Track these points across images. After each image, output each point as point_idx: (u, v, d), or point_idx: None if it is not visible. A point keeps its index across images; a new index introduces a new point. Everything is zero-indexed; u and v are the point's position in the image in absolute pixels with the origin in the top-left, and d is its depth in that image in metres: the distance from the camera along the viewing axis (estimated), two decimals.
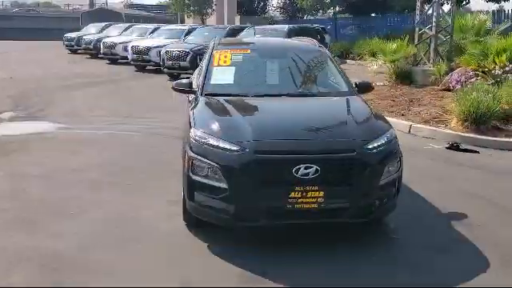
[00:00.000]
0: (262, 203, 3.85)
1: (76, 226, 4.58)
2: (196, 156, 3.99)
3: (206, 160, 3.92)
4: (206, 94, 4.86)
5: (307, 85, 5.23)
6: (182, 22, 36.70)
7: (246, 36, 14.35)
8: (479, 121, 8.15)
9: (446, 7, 15.45)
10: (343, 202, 3.91)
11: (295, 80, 5.21)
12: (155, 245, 4.21)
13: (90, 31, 26.71)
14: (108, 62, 21.60)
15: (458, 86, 9.38)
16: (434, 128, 8.51)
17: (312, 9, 27.29)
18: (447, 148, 7.58)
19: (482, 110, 8.13)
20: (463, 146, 7.60)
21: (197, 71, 6.86)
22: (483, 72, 10.71)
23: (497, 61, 10.71)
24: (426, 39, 12.41)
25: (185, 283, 3.63)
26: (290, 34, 13.71)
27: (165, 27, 22.10)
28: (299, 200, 3.81)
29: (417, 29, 12.72)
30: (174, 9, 33.39)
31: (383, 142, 4.08)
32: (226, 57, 5.30)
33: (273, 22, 29.73)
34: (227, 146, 3.90)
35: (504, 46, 10.89)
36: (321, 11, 29.77)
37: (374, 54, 14.14)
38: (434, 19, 12.05)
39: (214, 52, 5.39)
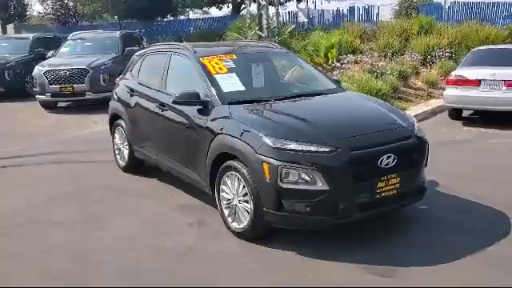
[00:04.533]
0: (355, 198, 4.02)
1: (136, 270, 3.93)
2: (284, 163, 3.90)
3: (298, 166, 3.88)
4: (229, 103, 4.64)
5: (309, 84, 5.44)
6: None
7: (70, 46, 13.01)
8: None
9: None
10: (409, 185, 4.34)
11: (297, 81, 5.35)
12: (244, 268, 3.94)
13: None
14: None
15: None
16: None
17: (93, 15, 25.92)
18: None
19: None
20: None
21: (125, 83, 6.31)
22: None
23: (329, 56, 12.44)
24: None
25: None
26: (123, 41, 13.05)
27: None
28: (384, 189, 4.11)
29: (249, 31, 13.64)
30: None
31: (417, 126, 4.66)
32: (217, 64, 5.09)
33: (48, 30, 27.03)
34: (316, 149, 3.93)
35: (331, 43, 12.69)
36: (97, 17, 28.57)
37: None
38: (264, 22, 13.13)
39: (201, 60, 5.11)
